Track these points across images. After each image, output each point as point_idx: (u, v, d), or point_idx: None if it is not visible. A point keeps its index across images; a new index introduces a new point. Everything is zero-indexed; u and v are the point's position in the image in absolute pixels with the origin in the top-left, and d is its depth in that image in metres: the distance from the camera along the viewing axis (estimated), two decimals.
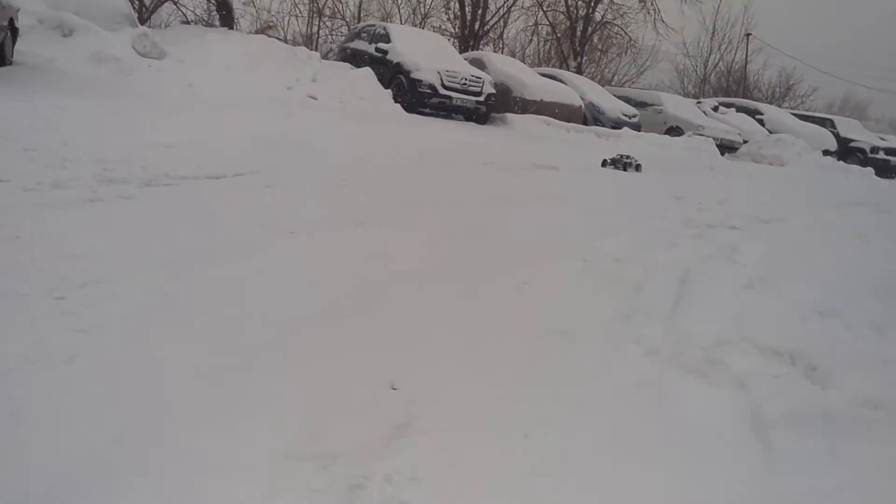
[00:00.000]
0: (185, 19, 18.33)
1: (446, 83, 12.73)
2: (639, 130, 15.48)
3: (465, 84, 12.90)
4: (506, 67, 15.29)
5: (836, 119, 22.31)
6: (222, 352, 2.10)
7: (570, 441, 1.81)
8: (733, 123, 18.36)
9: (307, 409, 1.83)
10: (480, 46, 22.11)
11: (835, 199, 8.83)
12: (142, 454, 1.54)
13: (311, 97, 11.69)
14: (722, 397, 2.15)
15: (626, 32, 24.89)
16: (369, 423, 1.78)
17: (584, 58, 25.11)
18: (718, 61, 34.56)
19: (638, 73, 29.83)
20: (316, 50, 18.39)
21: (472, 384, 2.08)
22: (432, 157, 7.73)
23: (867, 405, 2.12)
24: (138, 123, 6.15)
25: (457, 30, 22.99)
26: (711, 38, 34.27)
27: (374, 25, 15.33)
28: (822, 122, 21.30)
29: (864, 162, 18.55)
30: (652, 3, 23.37)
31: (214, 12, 17.40)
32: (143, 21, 14.85)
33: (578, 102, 14.99)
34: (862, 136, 20.69)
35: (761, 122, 19.63)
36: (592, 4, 24.21)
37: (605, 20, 24.82)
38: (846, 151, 19.61)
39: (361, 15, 23.91)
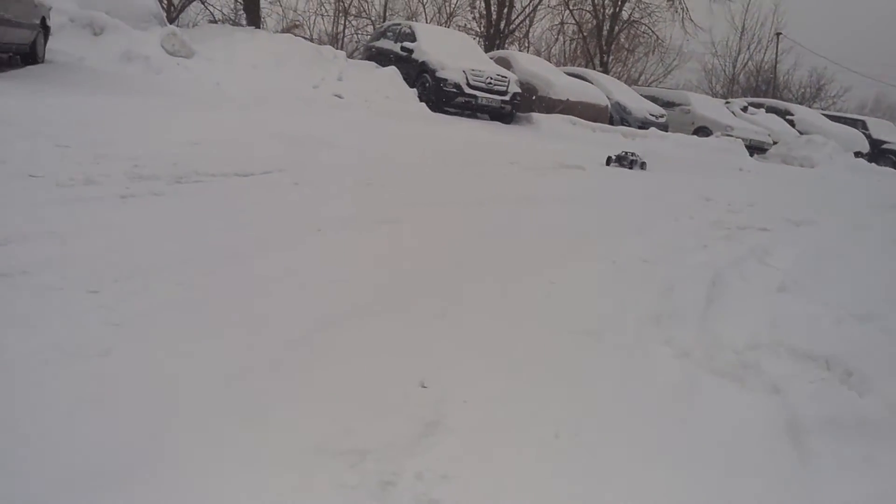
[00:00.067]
0: (212, 18, 18.50)
1: (472, 82, 12.71)
2: (666, 130, 15.35)
3: (490, 83, 12.87)
4: (531, 66, 15.24)
5: (868, 120, 21.94)
6: (253, 347, 2.11)
7: (601, 442, 1.79)
8: (763, 124, 18.13)
9: (337, 405, 1.83)
10: (506, 45, 22.06)
11: (867, 202, 8.66)
12: (176, 447, 1.55)
13: (336, 96, 11.74)
14: (756, 402, 2.11)
15: (653, 31, 24.70)
16: (399, 420, 1.77)
17: (611, 57, 24.95)
18: (747, 61, 34.17)
19: (665, 73, 29.59)
20: (342, 49, 18.46)
21: (501, 384, 2.07)
22: (458, 156, 7.72)
23: None
24: (167, 121, 6.22)
25: (482, 29, 22.96)
26: (740, 38, 33.88)
27: (399, 24, 15.36)
28: (854, 123, 20.95)
29: None
30: (680, 2, 23.14)
31: (241, 11, 17.53)
32: (171, 20, 15.01)
33: (605, 102, 14.90)
34: (894, 138, 20.30)
35: (791, 123, 19.36)
36: (619, 3, 24.04)
37: (632, 19, 24.64)
38: (878, 153, 19.26)
39: (387, 14, 23.98)
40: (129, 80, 8.66)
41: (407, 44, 13.64)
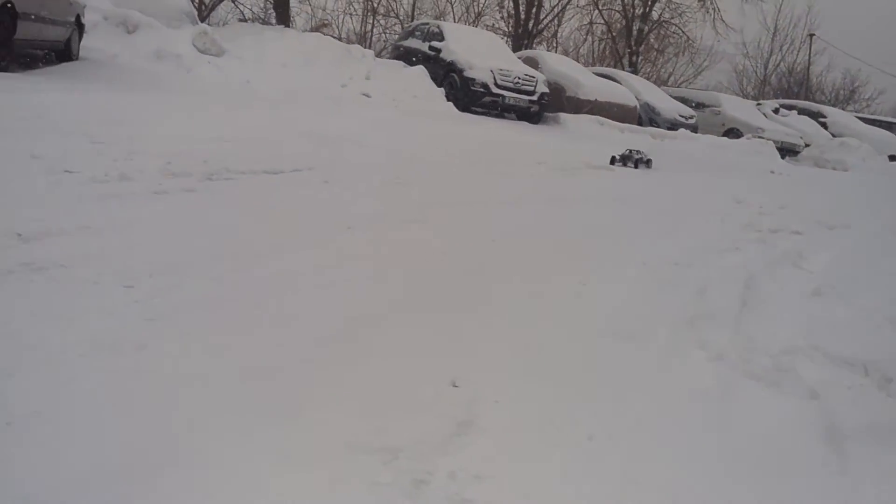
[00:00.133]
0: (242, 17, 18.69)
1: (499, 82, 12.68)
2: (696, 132, 15.19)
3: (518, 83, 12.83)
4: (560, 66, 15.17)
5: None
6: (283, 344, 2.11)
7: (636, 445, 1.77)
8: (795, 126, 17.87)
9: (369, 402, 1.82)
10: (534, 45, 21.99)
11: None
12: (210, 442, 1.55)
13: (364, 95, 11.79)
14: (793, 407, 2.07)
15: (683, 32, 24.45)
16: (431, 419, 1.77)
17: (640, 57, 24.74)
18: (780, 62, 33.72)
19: (695, 74, 29.31)
20: (370, 48, 18.53)
21: (533, 385, 2.05)
22: (485, 155, 7.71)
23: None
24: (199, 118, 6.28)
25: (510, 28, 22.91)
26: (773, 39, 33.46)
27: (427, 24, 15.38)
28: (889, 126, 20.58)
29: None
30: (711, 2, 22.90)
31: (271, 10, 17.68)
32: (202, 18, 15.18)
33: (633, 103, 14.79)
34: None
35: (824, 126, 19.07)
36: (650, 3, 23.83)
37: (662, 19, 24.42)
38: None
39: (415, 13, 24.02)
40: (160, 78, 8.77)
41: (435, 43, 13.65)
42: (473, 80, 12.59)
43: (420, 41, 14.41)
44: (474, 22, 24.22)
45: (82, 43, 9.28)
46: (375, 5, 23.57)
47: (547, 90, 13.24)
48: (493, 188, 5.75)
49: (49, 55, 8.67)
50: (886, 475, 1.77)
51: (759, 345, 2.50)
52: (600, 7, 24.48)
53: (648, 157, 8.69)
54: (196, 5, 16.20)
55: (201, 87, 8.71)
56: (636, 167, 8.53)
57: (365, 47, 16.22)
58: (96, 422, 1.58)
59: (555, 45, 25.77)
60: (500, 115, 13.14)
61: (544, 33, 24.15)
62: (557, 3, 23.41)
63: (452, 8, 25.30)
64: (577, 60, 21.88)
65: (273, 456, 1.54)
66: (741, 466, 1.74)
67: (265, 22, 17.64)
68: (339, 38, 18.92)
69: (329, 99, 10.42)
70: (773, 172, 11.44)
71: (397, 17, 24.11)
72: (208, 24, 13.44)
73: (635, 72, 22.08)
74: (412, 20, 22.07)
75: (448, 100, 12.57)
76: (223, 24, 16.47)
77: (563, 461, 1.66)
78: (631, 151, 8.74)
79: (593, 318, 2.71)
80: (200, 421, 1.63)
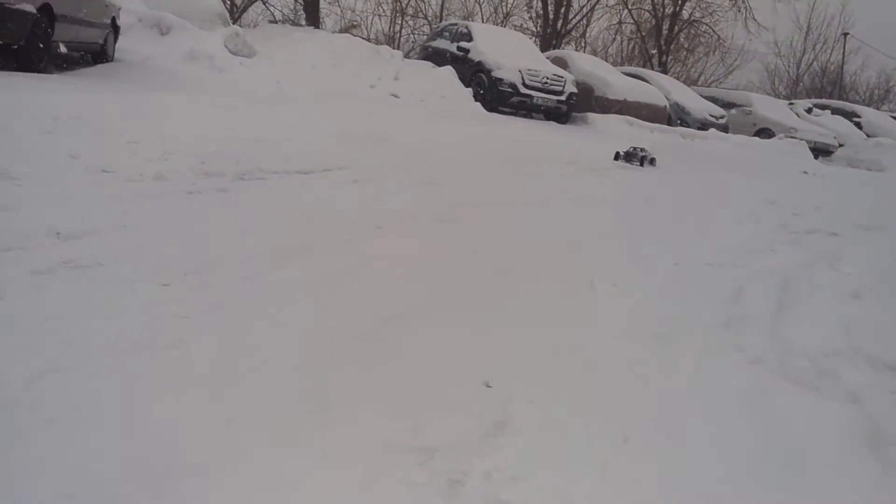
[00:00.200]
0: (272, 18, 18.84)
1: (527, 82, 12.64)
2: (726, 132, 15.00)
3: (546, 83, 12.78)
4: (588, 66, 15.09)
5: None
6: (318, 342, 2.12)
7: (673, 449, 1.75)
8: (828, 126, 17.56)
9: (403, 401, 1.82)
10: (563, 45, 21.87)
11: None
12: (246, 439, 1.57)
13: (393, 95, 11.83)
14: (834, 411, 2.03)
15: (714, 31, 24.14)
16: (466, 419, 1.76)
17: (670, 57, 24.48)
18: (812, 61, 33.18)
19: (726, 73, 28.96)
20: (398, 48, 18.59)
21: (566, 386, 2.04)
22: (514, 155, 7.69)
23: None
24: (230, 119, 6.35)
25: (539, 28, 22.81)
26: (805, 38, 32.96)
27: (456, 24, 15.38)
28: None
29: None
30: (743, 1, 22.57)
31: (301, 11, 17.81)
32: (233, 20, 15.34)
33: (663, 102, 14.65)
34: None
35: (858, 126, 18.72)
36: (680, 2, 23.57)
37: (692, 18, 24.13)
38: None
39: (443, 14, 24.03)
40: (193, 79, 8.88)
41: (463, 43, 13.65)
42: (501, 80, 12.57)
43: (448, 42, 14.43)
44: (502, 22, 24.16)
45: (117, 45, 9.44)
46: (404, 6, 23.63)
47: (575, 90, 13.17)
48: (522, 188, 5.74)
49: (85, 56, 8.83)
50: None
51: (797, 347, 2.46)
52: (630, 6, 24.28)
53: (653, 156, 8.56)
54: (227, 7, 16.38)
55: (233, 88, 8.80)
56: (641, 164, 8.40)
57: (393, 48, 16.28)
58: (135, 417, 1.60)
59: (583, 44, 25.62)
60: (527, 116, 13.11)
61: (573, 33, 24.04)
62: (586, 3, 23.26)
63: (481, 8, 25.27)
64: (606, 60, 21.73)
65: (310, 454, 1.54)
66: (783, 471, 1.71)
67: (295, 23, 17.77)
68: (368, 39, 18.99)
69: (358, 99, 10.47)
70: (805, 173, 11.25)
71: (426, 17, 24.14)
72: (240, 26, 13.58)
73: (665, 71, 21.86)
74: (440, 21, 22.09)
75: (476, 100, 12.57)
76: (254, 26, 16.63)
77: (600, 464, 1.64)
78: (635, 149, 8.61)
79: (625, 318, 2.68)
80: (237, 418, 1.64)
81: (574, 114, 13.43)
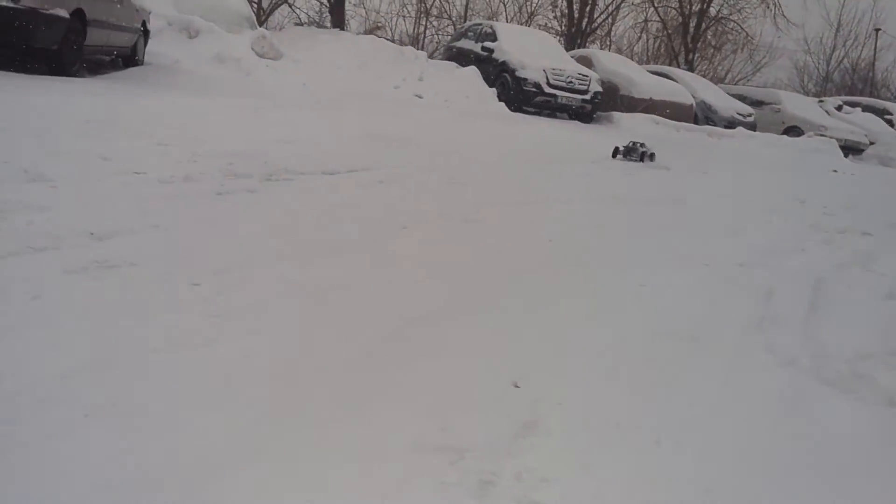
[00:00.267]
0: (298, 21, 19.00)
1: (552, 81, 12.59)
2: (754, 130, 14.81)
3: (571, 82, 12.72)
4: (613, 65, 15.00)
5: None
6: (348, 341, 2.13)
7: (706, 451, 1.73)
8: (859, 124, 17.25)
9: (432, 402, 1.82)
10: (588, 44, 21.76)
11: None
12: (278, 437, 1.57)
13: (417, 96, 11.87)
14: (871, 414, 1.99)
15: (742, 28, 23.85)
16: (496, 419, 1.75)
17: (697, 55, 24.23)
18: (843, 58, 32.62)
19: (754, 71, 28.59)
20: (423, 49, 18.62)
21: (596, 386, 2.02)
22: (538, 155, 7.67)
23: None
24: (258, 121, 6.41)
25: (563, 28, 22.72)
26: (836, 34, 32.40)
27: (480, 24, 15.37)
28: None
29: None
30: None
31: (326, 14, 17.93)
32: (260, 23, 15.48)
33: (689, 101, 14.51)
34: None
35: (890, 123, 18.37)
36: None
37: (720, 15, 23.86)
38: None
39: (468, 14, 24.04)
40: (221, 82, 8.98)
41: (487, 43, 13.64)
42: (526, 79, 12.54)
43: (472, 42, 14.42)
44: (527, 22, 24.11)
45: (147, 48, 9.57)
46: (428, 7, 23.70)
47: (600, 89, 13.09)
48: (546, 187, 5.72)
49: (116, 60, 8.97)
50: None
51: (831, 349, 2.42)
52: (656, 4, 24.08)
53: (652, 151, 8.40)
54: (254, 10, 16.54)
55: (260, 90, 8.88)
56: (641, 160, 8.25)
57: (418, 49, 16.33)
58: (170, 415, 1.61)
59: (608, 43, 25.47)
60: (551, 115, 13.06)
61: (598, 32, 23.93)
62: (612, 2, 23.15)
63: (505, 8, 25.25)
64: (632, 58, 21.57)
65: (340, 453, 1.55)
66: (819, 474, 1.68)
67: (320, 25, 17.91)
68: (393, 40, 19.07)
69: (383, 100, 10.51)
70: (835, 171, 11.08)
71: (450, 18, 24.19)
72: (266, 29, 13.71)
73: (691, 69, 21.63)
74: (465, 21, 22.09)
75: (500, 100, 12.55)
76: (280, 29, 16.78)
77: (632, 466, 1.63)
78: (635, 144, 8.46)
79: (654, 319, 2.66)
80: (270, 418, 1.65)
81: (599, 113, 13.36)
